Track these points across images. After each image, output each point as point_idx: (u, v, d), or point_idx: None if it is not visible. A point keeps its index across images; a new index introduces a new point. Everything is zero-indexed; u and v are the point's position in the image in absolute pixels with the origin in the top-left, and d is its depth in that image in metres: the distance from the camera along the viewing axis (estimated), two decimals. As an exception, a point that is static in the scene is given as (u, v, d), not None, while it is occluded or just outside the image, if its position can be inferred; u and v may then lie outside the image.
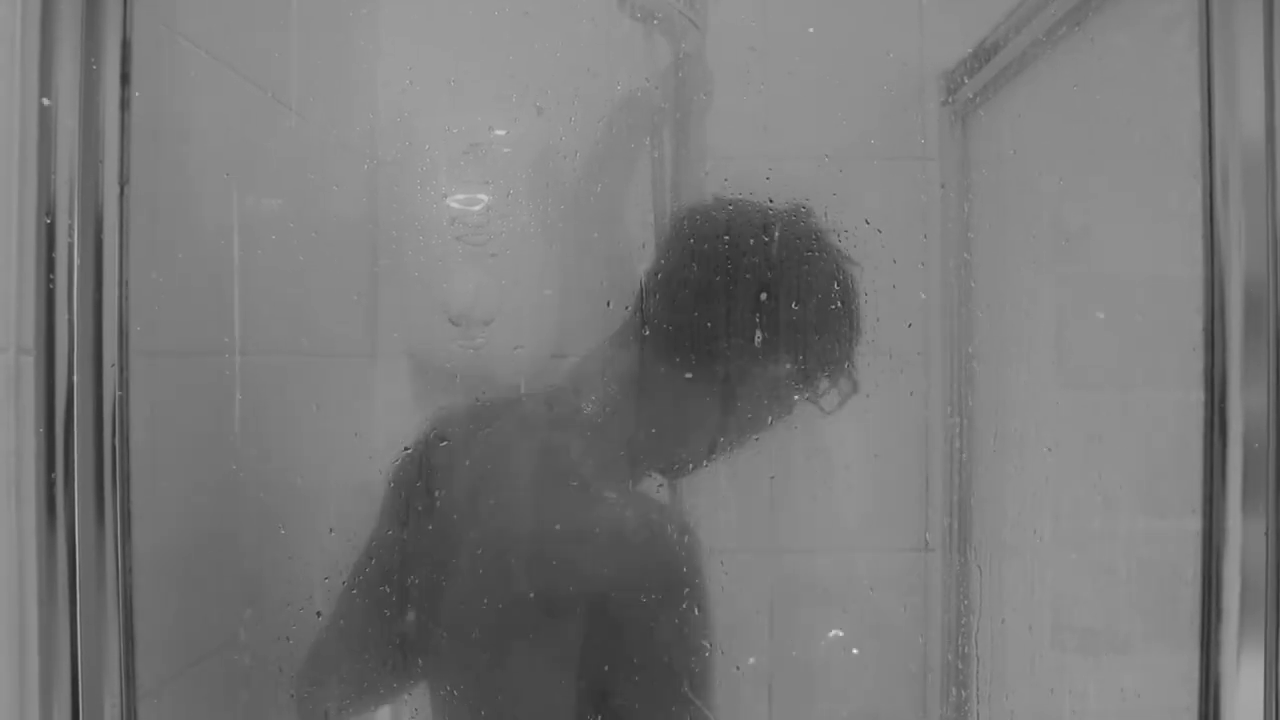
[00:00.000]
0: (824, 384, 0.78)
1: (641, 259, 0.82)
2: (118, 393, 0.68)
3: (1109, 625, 0.91)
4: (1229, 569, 0.66)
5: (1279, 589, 0.64)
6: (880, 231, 0.81)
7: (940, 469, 0.93)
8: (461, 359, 0.87)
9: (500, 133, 0.84)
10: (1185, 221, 0.70)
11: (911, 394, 0.83)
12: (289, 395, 0.87)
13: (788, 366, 0.78)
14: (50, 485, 0.66)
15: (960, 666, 0.87)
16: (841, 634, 0.88)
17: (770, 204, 0.79)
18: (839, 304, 0.78)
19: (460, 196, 0.84)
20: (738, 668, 0.75)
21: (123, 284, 0.68)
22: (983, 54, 0.94)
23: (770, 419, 0.79)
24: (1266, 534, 0.65)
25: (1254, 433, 0.66)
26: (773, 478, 0.78)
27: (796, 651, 0.88)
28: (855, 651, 0.84)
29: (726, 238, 0.78)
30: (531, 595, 0.75)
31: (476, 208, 0.84)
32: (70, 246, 0.66)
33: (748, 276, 0.77)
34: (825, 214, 0.79)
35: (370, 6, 0.90)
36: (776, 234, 0.77)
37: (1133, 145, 0.85)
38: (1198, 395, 0.68)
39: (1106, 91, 0.85)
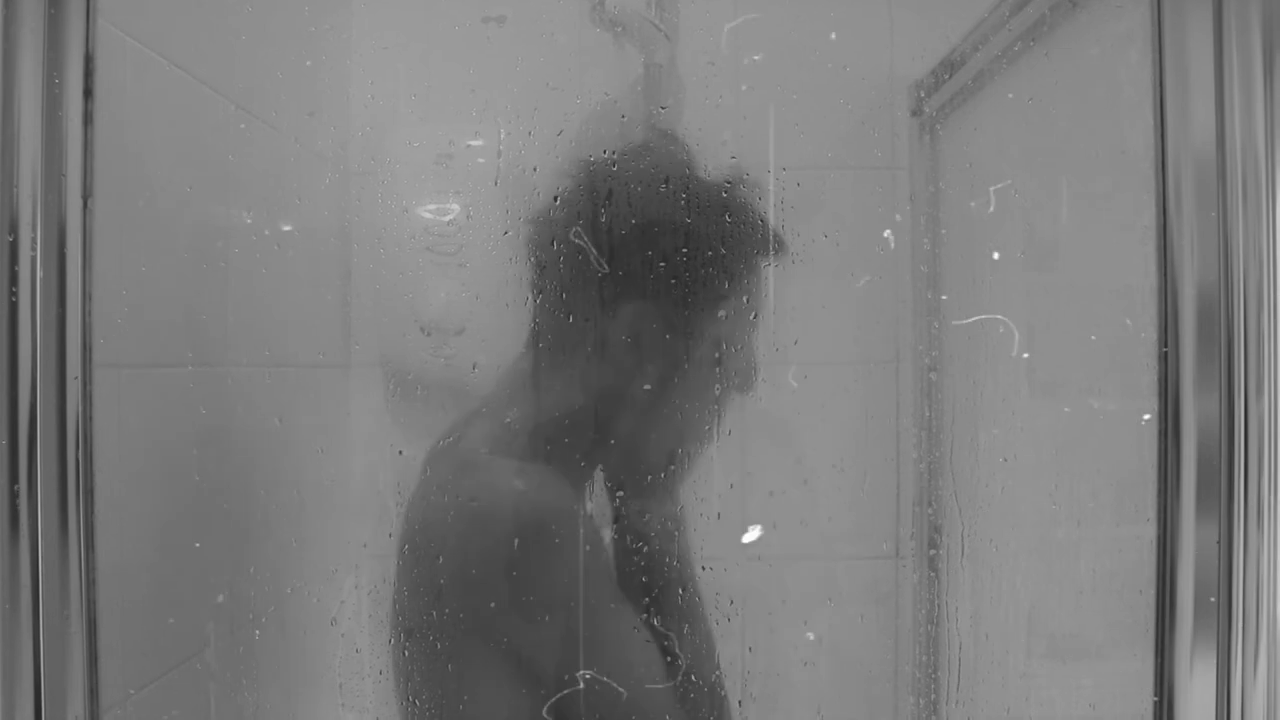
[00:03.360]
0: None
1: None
2: (81, 406, 0.68)
3: (1071, 632, 0.92)
4: (1183, 575, 0.67)
5: (1230, 595, 0.65)
6: (846, 243, 0.82)
7: (910, 477, 0.94)
8: (434, 369, 0.87)
9: (469, 144, 0.85)
10: (1141, 233, 0.71)
11: (873, 406, 0.84)
12: (258, 407, 0.87)
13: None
14: (13, 498, 0.66)
15: (919, 675, 0.88)
16: (812, 637, 0.88)
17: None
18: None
19: (430, 207, 0.85)
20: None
21: (86, 298, 0.68)
22: (948, 67, 0.95)
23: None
24: (1219, 542, 0.66)
25: (1207, 441, 0.67)
26: (732, 486, 0.79)
27: (764, 662, 0.88)
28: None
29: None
30: None
31: (446, 218, 0.84)
32: (33, 260, 0.66)
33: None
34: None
35: (338, 18, 0.90)
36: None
37: (1090, 158, 0.86)
38: (1154, 404, 0.69)
39: (1064, 105, 0.87)
